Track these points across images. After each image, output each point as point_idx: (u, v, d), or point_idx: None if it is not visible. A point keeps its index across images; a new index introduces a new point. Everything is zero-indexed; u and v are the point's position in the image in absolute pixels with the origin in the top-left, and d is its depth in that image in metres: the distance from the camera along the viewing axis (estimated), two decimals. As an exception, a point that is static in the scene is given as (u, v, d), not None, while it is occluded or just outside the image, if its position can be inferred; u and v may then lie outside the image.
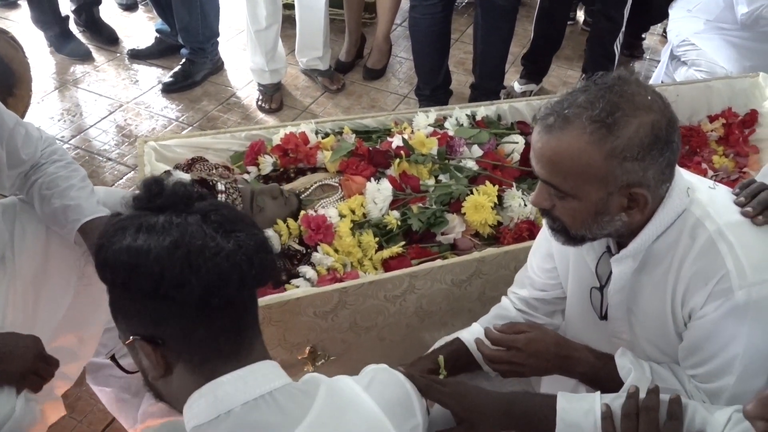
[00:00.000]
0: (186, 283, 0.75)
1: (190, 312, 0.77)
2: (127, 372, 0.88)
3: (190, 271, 0.75)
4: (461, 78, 3.28)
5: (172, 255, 0.75)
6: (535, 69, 3.21)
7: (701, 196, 1.09)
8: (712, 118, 2.30)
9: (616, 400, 1.03)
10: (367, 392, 0.88)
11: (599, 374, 1.19)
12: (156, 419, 1.56)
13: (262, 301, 1.44)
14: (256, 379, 0.80)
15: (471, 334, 1.33)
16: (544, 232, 1.35)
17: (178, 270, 0.75)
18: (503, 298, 1.44)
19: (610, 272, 1.17)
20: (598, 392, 1.07)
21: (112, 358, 0.89)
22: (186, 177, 1.55)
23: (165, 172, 1.63)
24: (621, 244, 1.14)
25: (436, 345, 1.37)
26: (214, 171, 1.64)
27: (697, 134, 2.24)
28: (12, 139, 1.32)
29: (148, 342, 0.79)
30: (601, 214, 1.05)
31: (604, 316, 1.23)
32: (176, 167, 1.66)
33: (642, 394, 1.01)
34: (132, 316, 0.81)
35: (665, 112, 1.02)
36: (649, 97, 1.01)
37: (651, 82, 2.90)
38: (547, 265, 1.35)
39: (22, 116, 2.18)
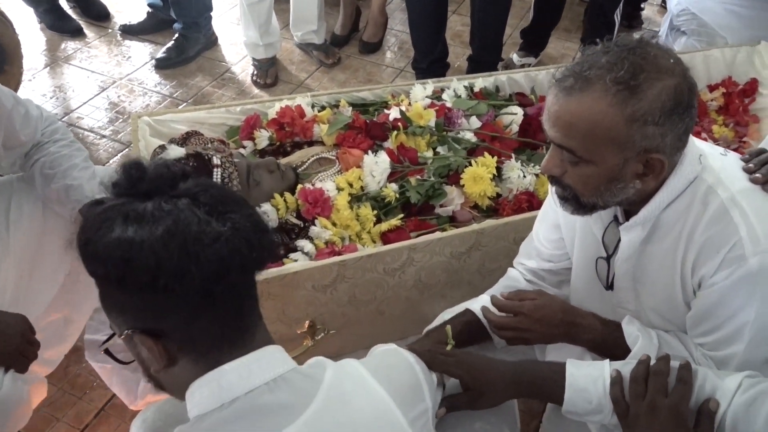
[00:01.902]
0: (186, 274, 0.71)
1: (191, 302, 0.74)
2: (123, 363, 0.85)
3: (189, 261, 0.71)
4: (458, 51, 3.24)
5: (167, 245, 0.71)
6: (534, 42, 3.18)
7: (713, 163, 1.08)
8: (711, 88, 2.28)
9: (626, 366, 1.03)
10: (375, 377, 0.86)
11: (606, 341, 1.18)
12: (156, 395, 1.56)
13: (260, 275, 1.43)
14: (261, 367, 0.78)
15: (480, 304, 1.32)
16: (550, 202, 1.33)
17: (176, 260, 0.71)
18: (510, 269, 1.43)
19: (617, 242, 1.15)
20: (607, 360, 1.06)
21: (107, 351, 0.86)
22: (181, 151, 1.53)
23: (159, 146, 1.61)
24: (629, 213, 1.13)
25: (446, 317, 1.35)
26: (209, 145, 1.62)
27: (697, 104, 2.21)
28: (10, 120, 1.29)
29: (149, 335, 0.76)
30: (615, 181, 1.03)
31: (609, 286, 1.22)
32: (171, 141, 1.64)
33: (651, 362, 1.01)
34: (128, 310, 0.77)
35: (686, 76, 0.99)
36: (672, 61, 0.99)
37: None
38: (554, 235, 1.34)
39: (14, 93, 2.15)
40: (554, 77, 1.04)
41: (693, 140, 1.07)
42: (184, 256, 0.71)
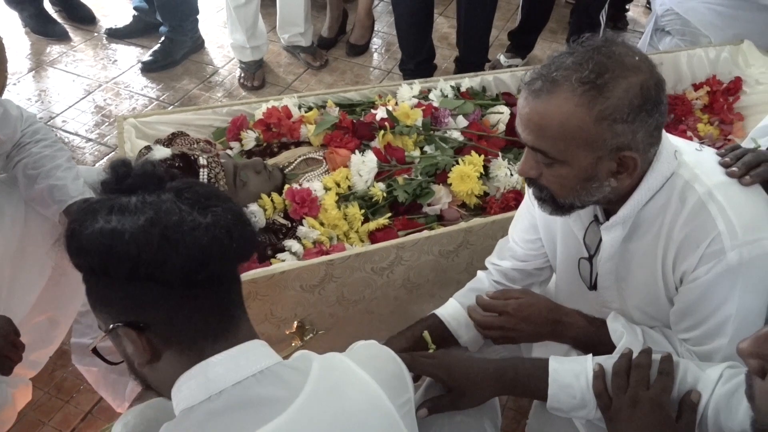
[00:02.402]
0: (166, 261, 0.72)
1: (173, 292, 0.75)
2: (111, 363, 0.85)
3: (169, 248, 0.72)
4: (445, 53, 3.25)
5: (148, 233, 0.72)
6: (522, 44, 3.20)
7: (688, 158, 1.08)
8: (696, 87, 2.30)
9: (608, 361, 1.04)
10: (363, 367, 0.86)
11: (591, 338, 1.18)
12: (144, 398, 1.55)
13: (248, 275, 1.42)
14: (248, 359, 0.78)
15: (446, 309, 1.33)
16: (526, 203, 1.34)
17: (156, 248, 0.72)
18: (479, 271, 1.43)
19: (599, 242, 1.16)
20: (590, 354, 1.06)
21: (94, 350, 0.86)
22: (167, 152, 1.52)
23: (145, 147, 1.60)
24: (608, 212, 1.13)
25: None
26: (195, 145, 1.61)
27: (681, 103, 2.23)
28: None
29: (133, 328, 0.76)
30: (590, 180, 1.03)
31: (593, 286, 1.22)
32: (156, 142, 1.63)
33: (634, 356, 1.02)
34: (112, 302, 0.78)
35: (653, 72, 1.00)
36: (637, 58, 0.99)
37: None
38: (531, 236, 1.34)
39: (-2, 97, 2.13)
40: (523, 80, 1.04)
41: (667, 137, 1.08)
42: (164, 244, 0.72)
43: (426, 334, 1.25)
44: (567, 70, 0.98)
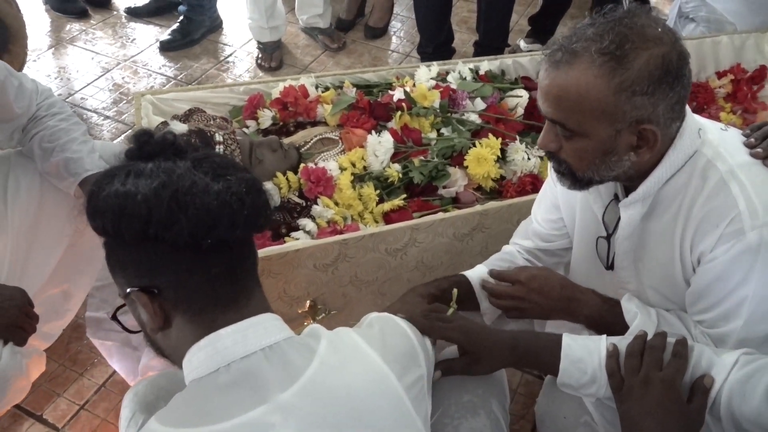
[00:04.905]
0: (174, 222, 0.74)
1: (184, 257, 0.76)
2: (129, 331, 0.87)
3: (179, 210, 0.74)
4: (465, 37, 3.22)
5: (159, 195, 0.74)
6: (542, 29, 3.15)
7: (712, 137, 1.06)
8: (720, 75, 2.26)
9: (622, 341, 1.03)
10: (369, 344, 0.87)
11: (605, 318, 1.17)
12: (157, 372, 1.56)
13: (262, 252, 1.42)
14: (257, 333, 0.79)
15: (475, 272, 1.32)
16: (549, 183, 1.33)
17: (166, 209, 0.74)
18: (505, 246, 1.42)
19: (618, 220, 1.15)
20: (604, 335, 1.06)
21: (113, 317, 0.88)
22: (183, 127, 1.52)
23: (162, 122, 1.60)
24: (629, 190, 1.12)
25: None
26: (212, 122, 1.61)
27: (704, 90, 2.20)
28: (4, 92, 1.28)
29: (145, 292, 0.78)
30: (609, 154, 1.02)
31: (610, 266, 1.21)
32: (173, 118, 1.63)
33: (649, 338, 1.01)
34: (127, 266, 0.80)
35: (676, 45, 0.98)
36: (660, 30, 0.98)
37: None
38: (553, 215, 1.33)
39: (17, 71, 2.15)
40: (544, 53, 1.04)
41: (692, 115, 1.06)
42: (174, 206, 0.74)
43: (455, 292, 1.23)
44: (587, 41, 0.97)
